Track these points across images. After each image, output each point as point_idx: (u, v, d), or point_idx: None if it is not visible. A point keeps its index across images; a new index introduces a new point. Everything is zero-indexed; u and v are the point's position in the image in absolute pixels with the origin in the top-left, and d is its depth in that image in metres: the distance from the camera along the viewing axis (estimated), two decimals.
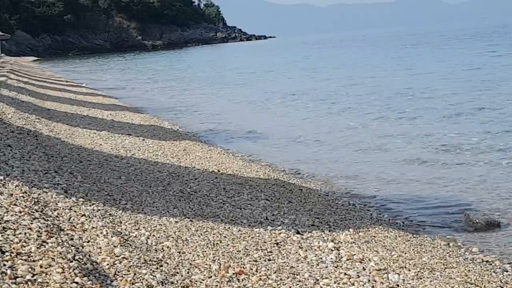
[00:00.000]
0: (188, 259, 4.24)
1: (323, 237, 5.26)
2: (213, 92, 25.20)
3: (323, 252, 4.79)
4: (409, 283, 4.25)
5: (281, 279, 4.07)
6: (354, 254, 4.78)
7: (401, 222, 6.69)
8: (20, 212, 4.17)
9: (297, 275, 4.19)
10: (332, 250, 4.86)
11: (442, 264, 4.85)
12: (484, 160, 9.39)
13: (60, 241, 3.73)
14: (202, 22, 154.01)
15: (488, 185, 8.01)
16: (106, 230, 4.35)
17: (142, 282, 3.51)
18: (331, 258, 4.63)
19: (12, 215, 4.04)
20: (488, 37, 56.28)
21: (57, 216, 4.48)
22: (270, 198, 6.79)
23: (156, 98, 23.90)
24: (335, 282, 4.13)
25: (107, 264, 3.68)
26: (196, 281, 3.83)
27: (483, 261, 5.29)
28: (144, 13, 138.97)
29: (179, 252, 4.36)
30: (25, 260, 3.26)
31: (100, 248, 3.96)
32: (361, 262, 4.60)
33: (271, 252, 4.68)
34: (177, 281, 3.74)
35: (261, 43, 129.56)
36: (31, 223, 3.93)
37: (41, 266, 3.23)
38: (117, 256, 3.84)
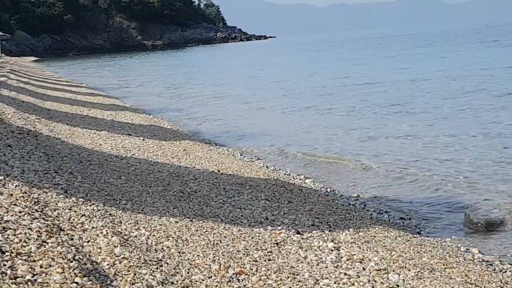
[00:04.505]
0: (188, 259, 4.24)
1: (323, 237, 5.25)
2: (213, 92, 25.20)
3: (323, 252, 4.79)
4: (409, 283, 4.24)
5: (281, 279, 4.07)
6: (354, 254, 4.78)
7: (401, 222, 6.69)
8: (20, 212, 4.17)
9: (297, 275, 4.18)
10: (332, 250, 4.85)
11: (442, 264, 4.85)
12: (484, 160, 9.39)
13: (60, 241, 3.73)
14: (202, 22, 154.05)
15: (488, 185, 8.01)
16: (106, 230, 4.35)
17: (142, 282, 3.51)
18: (331, 258, 4.63)
19: (12, 215, 4.04)
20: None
21: (57, 216, 4.47)
22: (270, 198, 6.79)
23: (156, 98, 23.91)
24: (335, 282, 4.12)
25: (107, 264, 3.68)
26: (196, 281, 3.83)
27: (483, 261, 5.29)
28: (144, 13, 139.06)
29: (179, 252, 4.36)
30: (25, 260, 3.26)
31: (100, 248, 3.96)
32: (361, 262, 4.60)
33: (271, 252, 4.68)
34: (177, 281, 3.74)
35: (261, 43, 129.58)
36: (31, 223, 3.93)
37: (41, 266, 3.23)
38: (117, 256, 3.84)
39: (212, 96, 23.68)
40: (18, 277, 3.02)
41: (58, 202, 4.91)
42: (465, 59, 32.16)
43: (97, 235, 4.23)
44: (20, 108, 13.09)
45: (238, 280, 3.97)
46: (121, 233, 4.49)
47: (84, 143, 9.49)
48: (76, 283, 3.13)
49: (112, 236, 4.23)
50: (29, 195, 4.76)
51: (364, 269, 4.45)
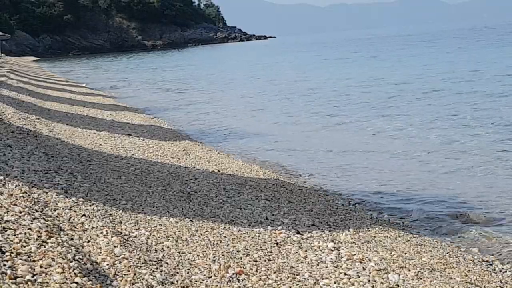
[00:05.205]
0: (188, 259, 4.24)
1: (323, 237, 5.25)
2: (213, 93, 25.20)
3: (323, 252, 4.79)
4: (409, 283, 4.24)
5: (281, 279, 4.07)
6: (354, 254, 4.78)
7: (401, 222, 6.68)
8: (20, 212, 4.17)
9: (297, 275, 4.18)
10: (332, 250, 4.85)
11: (442, 264, 4.85)
12: (484, 160, 9.39)
13: (60, 241, 3.73)
14: (202, 22, 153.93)
15: (488, 185, 8.01)
16: (106, 230, 4.35)
17: (142, 282, 3.51)
18: (331, 258, 4.63)
19: (12, 215, 4.04)
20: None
21: (57, 216, 4.48)
22: (270, 198, 6.79)
23: (156, 98, 23.91)
24: (335, 282, 4.12)
25: (107, 264, 3.68)
26: (196, 281, 3.83)
27: (483, 261, 5.29)
28: (144, 13, 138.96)
29: (179, 252, 4.36)
30: (25, 260, 3.26)
31: (100, 248, 3.96)
32: (361, 262, 4.60)
33: (271, 252, 4.68)
34: (177, 281, 3.74)
35: (261, 43, 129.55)
36: (31, 223, 3.93)
37: (41, 266, 3.23)
38: (117, 256, 3.84)
39: (212, 96, 23.68)
40: (18, 277, 3.02)
41: (58, 202, 4.91)
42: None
43: (97, 235, 4.23)
44: (20, 108, 13.09)
45: (238, 280, 3.97)
46: (121, 233, 4.49)
47: (84, 143, 9.49)
48: (76, 283, 3.13)
49: (112, 236, 4.23)
50: (29, 195, 4.76)
51: (364, 269, 4.45)
